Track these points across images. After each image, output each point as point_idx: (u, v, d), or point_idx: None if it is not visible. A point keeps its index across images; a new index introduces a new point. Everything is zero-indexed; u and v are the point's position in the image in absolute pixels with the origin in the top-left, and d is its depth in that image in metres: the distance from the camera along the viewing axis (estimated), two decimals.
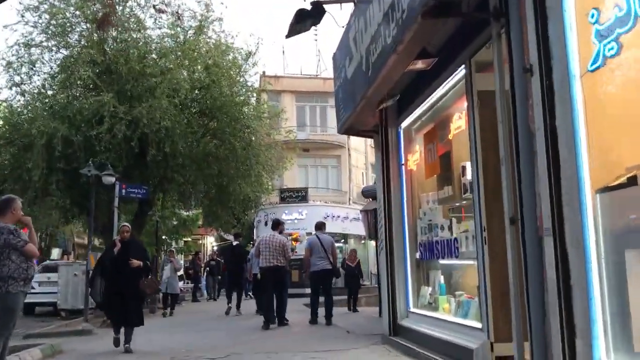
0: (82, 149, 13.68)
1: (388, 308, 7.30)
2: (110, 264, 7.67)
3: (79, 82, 14.52)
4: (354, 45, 6.77)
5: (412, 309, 7.10)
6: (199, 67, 15.73)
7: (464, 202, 6.05)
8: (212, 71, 15.26)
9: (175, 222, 20.71)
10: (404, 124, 7.34)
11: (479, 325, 5.14)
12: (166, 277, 13.25)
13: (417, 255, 7.02)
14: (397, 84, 6.41)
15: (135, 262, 7.59)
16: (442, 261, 6.37)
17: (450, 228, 6.08)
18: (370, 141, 35.17)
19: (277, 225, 10.69)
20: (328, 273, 10.19)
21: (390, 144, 7.46)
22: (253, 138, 16.29)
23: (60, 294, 13.76)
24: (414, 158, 7.09)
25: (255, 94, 16.63)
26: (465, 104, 5.42)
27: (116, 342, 7.59)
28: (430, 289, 6.77)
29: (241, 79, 16.19)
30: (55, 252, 49.18)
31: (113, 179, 12.12)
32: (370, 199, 13.53)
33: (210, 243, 27.25)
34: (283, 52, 54.41)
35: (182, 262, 22.49)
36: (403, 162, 7.36)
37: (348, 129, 7.67)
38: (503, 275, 5.01)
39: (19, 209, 5.45)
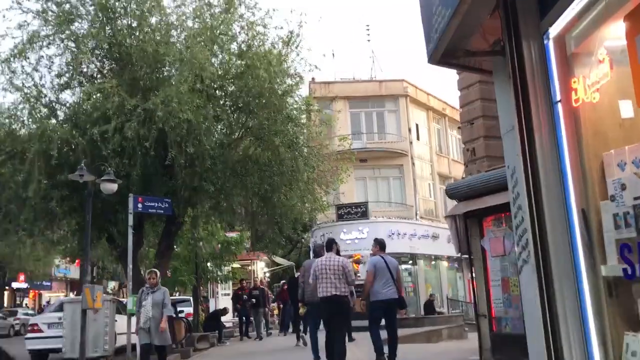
0: (88, 155, 10.95)
1: None
2: None
3: (83, 77, 11.92)
4: None
5: None
6: (231, 54, 12.85)
7: None
8: (247, 56, 12.35)
9: (217, 245, 17.72)
10: (555, 29, 3.95)
11: None
12: (146, 319, 8.15)
13: (607, 271, 3.54)
14: None
15: None
16: None
17: None
18: (436, 147, 31.49)
19: (332, 244, 8.63)
20: (394, 303, 8.64)
21: (530, 70, 4.06)
22: (300, 137, 13.20)
23: (66, 338, 10.92)
24: (592, 80, 3.64)
25: (300, 83, 13.47)
26: None
27: None
28: None
29: (283, 65, 13.15)
30: (111, 286, 47.41)
31: (115, 187, 9.25)
32: (457, 201, 10.04)
33: (260, 269, 24.16)
34: (333, 55, 50.58)
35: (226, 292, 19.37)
36: (558, 97, 3.94)
37: (448, 53, 4.30)
38: None
39: None
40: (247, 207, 14.06)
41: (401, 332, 16.07)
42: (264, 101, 12.23)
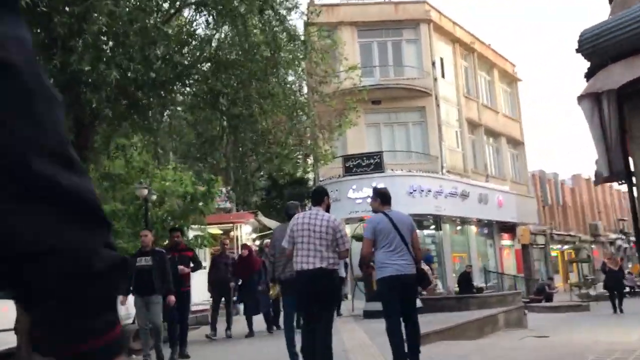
0: None
1: None
2: None
3: None
4: None
5: None
6: None
7: None
8: None
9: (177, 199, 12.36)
10: None
11: None
12: None
13: None
14: None
15: None
16: None
17: None
18: (464, 88, 25.97)
19: (323, 196, 6.03)
20: (411, 281, 5.85)
21: None
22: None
23: None
24: None
25: None
26: None
27: None
28: None
29: None
30: None
31: None
32: (594, 67, 4.71)
33: (246, 234, 18.96)
34: None
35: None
36: None
37: None
38: None
39: None
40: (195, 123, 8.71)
41: (438, 317, 11.00)
42: None
